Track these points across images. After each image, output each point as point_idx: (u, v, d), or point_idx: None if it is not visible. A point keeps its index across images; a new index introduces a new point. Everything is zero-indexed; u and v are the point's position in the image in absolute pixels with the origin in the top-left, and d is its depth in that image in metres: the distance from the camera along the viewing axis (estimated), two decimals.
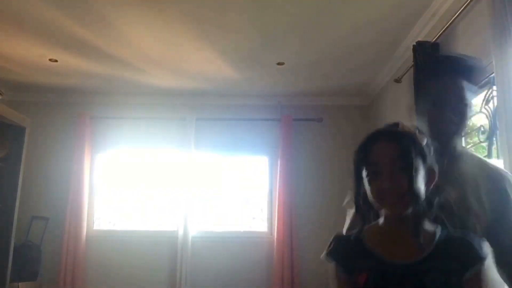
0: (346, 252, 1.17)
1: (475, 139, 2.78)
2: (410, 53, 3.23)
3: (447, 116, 1.34)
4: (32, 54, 3.93)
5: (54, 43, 3.70)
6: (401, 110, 3.85)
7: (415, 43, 3.11)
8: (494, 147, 2.54)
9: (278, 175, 4.74)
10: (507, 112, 2.06)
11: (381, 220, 1.17)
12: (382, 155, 1.11)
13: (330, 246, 1.20)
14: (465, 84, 1.39)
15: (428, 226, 1.13)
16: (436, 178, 1.14)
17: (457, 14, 2.67)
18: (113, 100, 4.96)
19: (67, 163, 4.77)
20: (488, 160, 1.42)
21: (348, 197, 1.33)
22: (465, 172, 1.35)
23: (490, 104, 2.58)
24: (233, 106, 5.02)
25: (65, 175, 4.74)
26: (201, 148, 4.90)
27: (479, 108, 2.69)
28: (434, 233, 1.12)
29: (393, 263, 1.09)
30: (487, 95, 2.60)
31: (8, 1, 3.08)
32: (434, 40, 2.99)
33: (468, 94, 1.38)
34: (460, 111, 1.36)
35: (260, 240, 4.78)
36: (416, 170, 1.08)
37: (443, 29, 2.86)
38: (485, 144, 2.66)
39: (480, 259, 1.08)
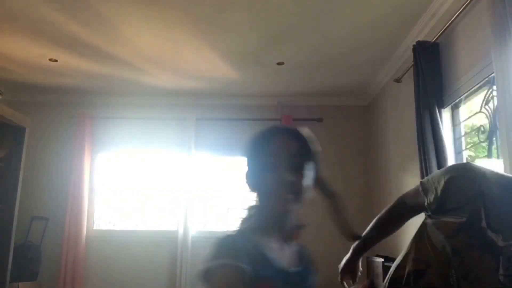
0: (247, 256, 0.98)
1: (475, 139, 2.78)
2: (410, 53, 3.23)
3: None
4: (32, 54, 3.93)
5: (54, 43, 3.70)
6: (401, 110, 3.86)
7: (415, 43, 3.11)
8: (494, 147, 2.54)
9: None
10: (507, 112, 2.06)
11: (256, 222, 1.09)
12: (284, 148, 1.08)
13: (230, 248, 1.00)
14: None
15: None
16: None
17: (457, 14, 2.67)
18: (113, 100, 4.96)
19: (67, 163, 4.77)
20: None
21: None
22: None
23: (490, 104, 2.58)
24: (233, 106, 5.02)
25: (65, 175, 4.74)
26: (201, 148, 4.90)
27: (479, 108, 2.69)
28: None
29: (292, 271, 1.05)
30: (487, 95, 2.60)
31: (8, 1, 3.08)
32: (434, 40, 2.99)
33: None
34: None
35: None
36: (312, 170, 1.10)
37: (443, 29, 2.86)
38: (485, 144, 2.66)
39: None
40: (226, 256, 0.97)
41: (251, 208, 1.13)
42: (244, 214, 1.14)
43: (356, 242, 1.53)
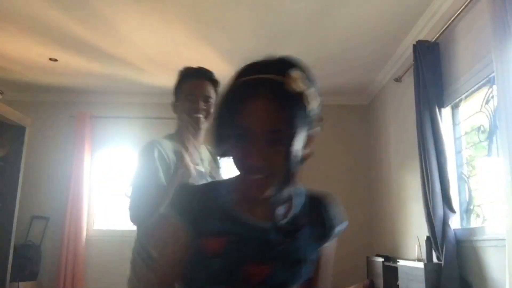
0: (197, 207, 0.89)
1: (475, 139, 2.78)
2: (410, 53, 3.24)
3: (197, 103, 1.79)
4: (32, 54, 3.93)
5: (54, 42, 3.70)
6: (401, 110, 3.86)
7: (415, 43, 3.11)
8: (494, 146, 2.54)
9: None
10: (507, 112, 2.06)
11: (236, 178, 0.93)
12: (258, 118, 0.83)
13: (175, 197, 0.93)
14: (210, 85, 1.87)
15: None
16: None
17: (457, 14, 2.67)
18: (113, 99, 4.96)
19: (67, 162, 4.77)
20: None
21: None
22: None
23: (490, 104, 2.58)
24: None
25: (65, 175, 4.74)
26: None
27: (479, 108, 2.69)
28: (291, 195, 0.92)
29: (257, 226, 0.89)
30: (487, 95, 2.61)
31: (8, 1, 3.08)
32: (434, 40, 2.99)
33: (212, 93, 1.85)
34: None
35: None
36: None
37: (443, 29, 2.86)
38: (485, 144, 2.66)
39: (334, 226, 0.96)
40: (172, 204, 0.92)
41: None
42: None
43: None
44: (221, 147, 0.90)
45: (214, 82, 1.86)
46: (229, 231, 0.87)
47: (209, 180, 1.66)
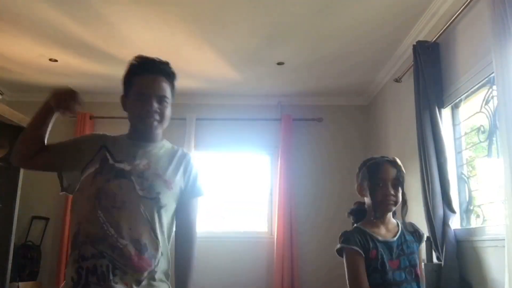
0: (359, 239, 1.68)
1: (475, 139, 2.78)
2: (410, 53, 3.24)
3: (150, 106, 1.55)
4: (32, 54, 3.93)
5: (54, 43, 3.70)
6: (401, 110, 3.86)
7: (415, 43, 3.12)
8: (494, 147, 2.54)
9: (278, 175, 4.74)
10: (507, 112, 2.06)
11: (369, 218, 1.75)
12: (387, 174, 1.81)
13: (345, 238, 1.68)
14: (166, 82, 1.62)
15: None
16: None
17: (457, 14, 2.68)
18: (113, 100, 4.93)
19: None
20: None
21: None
22: (157, 152, 1.64)
23: (490, 104, 2.58)
24: (233, 106, 5.02)
25: None
26: (201, 148, 4.90)
27: (479, 108, 2.69)
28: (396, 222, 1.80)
29: (388, 240, 1.69)
30: (487, 95, 2.61)
31: (8, 1, 3.08)
32: (434, 40, 2.99)
33: (168, 92, 1.61)
34: (161, 104, 1.58)
35: (260, 240, 4.78)
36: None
37: (443, 29, 2.86)
38: (485, 144, 2.66)
39: (423, 235, 1.84)
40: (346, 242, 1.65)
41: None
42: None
43: None
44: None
45: (171, 77, 1.65)
46: (377, 246, 1.66)
47: (134, 178, 1.48)
